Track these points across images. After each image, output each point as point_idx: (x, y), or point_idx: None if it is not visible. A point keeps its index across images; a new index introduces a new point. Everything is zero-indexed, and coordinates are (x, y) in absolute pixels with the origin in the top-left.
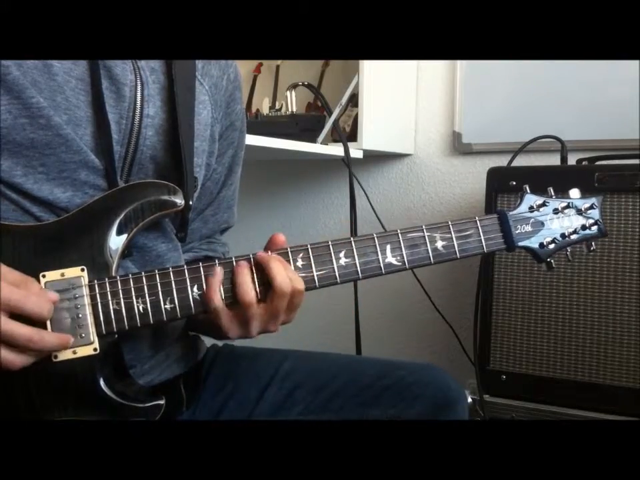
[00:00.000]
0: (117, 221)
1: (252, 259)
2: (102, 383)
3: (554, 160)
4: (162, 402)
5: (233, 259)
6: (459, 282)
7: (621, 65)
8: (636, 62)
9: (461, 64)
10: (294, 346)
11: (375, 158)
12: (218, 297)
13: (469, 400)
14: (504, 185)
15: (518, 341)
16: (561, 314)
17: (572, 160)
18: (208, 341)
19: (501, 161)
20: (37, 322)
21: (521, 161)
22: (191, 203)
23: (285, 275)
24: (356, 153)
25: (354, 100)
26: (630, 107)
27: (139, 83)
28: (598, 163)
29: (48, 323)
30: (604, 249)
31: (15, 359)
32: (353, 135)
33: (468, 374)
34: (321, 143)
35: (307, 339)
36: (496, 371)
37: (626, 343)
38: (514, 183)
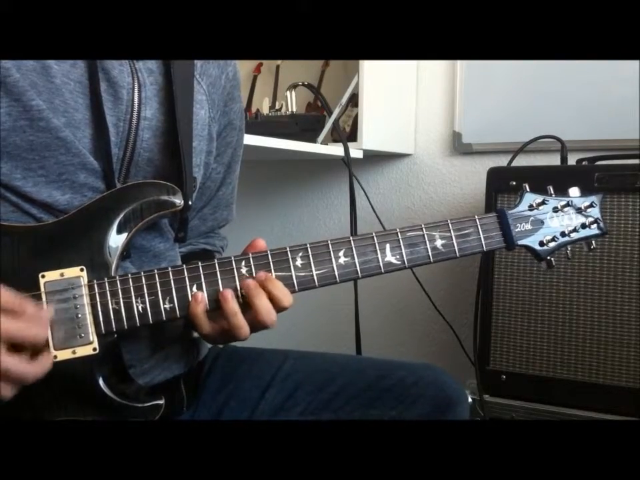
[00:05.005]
0: (117, 221)
1: (237, 284)
2: (101, 382)
3: (554, 160)
4: (161, 402)
5: (232, 258)
6: (459, 282)
7: (621, 64)
8: (636, 62)
9: (461, 64)
10: (294, 346)
11: (375, 158)
12: (205, 323)
13: (469, 400)
14: (504, 185)
15: (518, 341)
16: (561, 314)
17: (572, 160)
18: None
19: (501, 161)
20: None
21: (521, 161)
22: (190, 203)
23: (268, 310)
24: (356, 153)
25: (354, 100)
26: (630, 106)
27: (136, 85)
28: (598, 163)
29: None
30: (604, 249)
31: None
32: (353, 135)
33: (468, 374)
34: (321, 143)
35: (307, 339)
36: (496, 371)
37: (626, 342)
38: (514, 183)
